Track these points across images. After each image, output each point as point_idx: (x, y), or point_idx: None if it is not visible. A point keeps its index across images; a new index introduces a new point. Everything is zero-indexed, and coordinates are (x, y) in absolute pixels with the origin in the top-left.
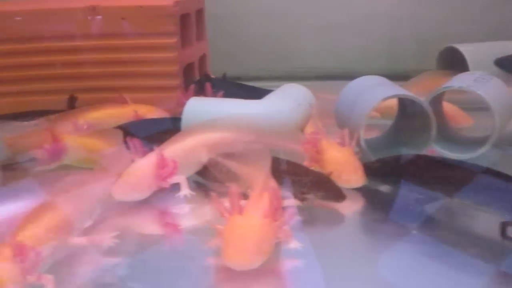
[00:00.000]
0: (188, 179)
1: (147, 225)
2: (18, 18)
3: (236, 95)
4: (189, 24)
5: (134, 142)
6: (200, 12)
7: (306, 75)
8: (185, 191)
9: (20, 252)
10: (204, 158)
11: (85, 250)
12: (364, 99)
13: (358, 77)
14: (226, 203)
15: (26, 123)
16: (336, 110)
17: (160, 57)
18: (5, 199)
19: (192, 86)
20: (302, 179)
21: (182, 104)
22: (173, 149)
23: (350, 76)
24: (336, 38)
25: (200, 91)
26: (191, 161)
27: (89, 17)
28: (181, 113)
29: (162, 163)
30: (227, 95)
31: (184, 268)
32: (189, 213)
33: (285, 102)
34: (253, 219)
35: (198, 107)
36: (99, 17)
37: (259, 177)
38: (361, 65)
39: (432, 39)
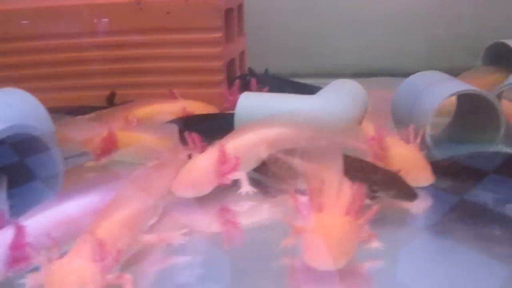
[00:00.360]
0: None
1: (209, 222)
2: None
3: (281, 91)
4: (232, 19)
5: (193, 137)
6: (240, 7)
7: (343, 72)
8: (246, 188)
9: (100, 250)
10: (263, 154)
11: (152, 248)
12: (429, 95)
13: (396, 74)
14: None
15: (79, 117)
16: (393, 107)
17: (204, 52)
18: (73, 196)
19: (237, 82)
20: (372, 177)
21: (227, 100)
22: (232, 144)
23: (388, 73)
24: (374, 34)
25: (245, 87)
26: (250, 157)
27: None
28: (226, 109)
29: (223, 159)
30: (272, 91)
31: (261, 268)
32: (250, 210)
33: (340, 98)
34: (336, 217)
35: (251, 102)
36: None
37: (333, 174)
38: (399, 62)
39: (473, 36)
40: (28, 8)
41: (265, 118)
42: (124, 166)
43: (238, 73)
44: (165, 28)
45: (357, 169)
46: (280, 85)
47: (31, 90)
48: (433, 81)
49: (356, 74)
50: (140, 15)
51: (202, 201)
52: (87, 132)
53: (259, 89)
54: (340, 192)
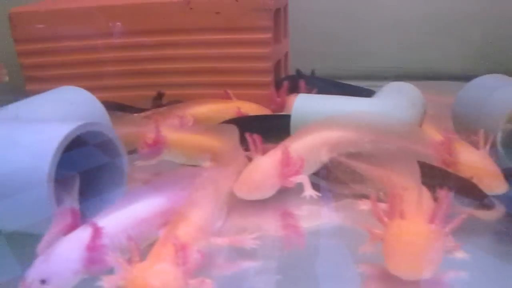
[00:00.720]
0: None
1: (273, 226)
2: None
3: (330, 93)
4: (279, 19)
5: (254, 138)
6: (286, 8)
7: (384, 74)
8: (309, 191)
9: (182, 253)
10: (324, 157)
11: (220, 251)
12: (499, 100)
13: (440, 77)
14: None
15: (135, 115)
16: (456, 111)
17: (253, 52)
18: (141, 196)
19: (286, 83)
20: (445, 184)
21: (275, 102)
22: (295, 146)
23: (431, 76)
24: (416, 35)
25: (292, 89)
26: (312, 160)
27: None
28: (273, 111)
29: (287, 161)
30: (321, 93)
31: (338, 275)
32: (315, 214)
33: (400, 101)
34: (421, 225)
35: (308, 104)
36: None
37: (412, 180)
38: (443, 65)
39: None
40: (79, 8)
41: (325, 120)
42: (176, 166)
43: (283, 75)
44: (214, 28)
45: (427, 175)
46: (328, 87)
47: None
48: (501, 86)
49: (397, 77)
50: (189, 14)
51: (264, 204)
52: (139, 129)
53: (308, 91)
54: (422, 199)
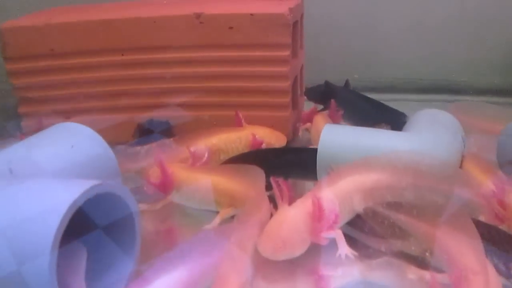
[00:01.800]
0: None
1: None
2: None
3: (362, 111)
4: (296, 32)
5: (281, 184)
6: (302, 18)
7: (404, 86)
8: (344, 249)
9: None
10: (358, 206)
11: None
12: None
13: (467, 90)
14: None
15: (136, 147)
16: (502, 145)
17: (269, 71)
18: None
19: (313, 109)
20: (506, 248)
21: (297, 131)
22: (325, 195)
23: (458, 89)
24: (441, 44)
25: (321, 101)
26: (345, 210)
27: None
28: (294, 137)
29: (319, 214)
30: (351, 110)
31: None
32: (351, 276)
33: (442, 135)
34: None
35: (336, 137)
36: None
37: (472, 251)
38: (471, 77)
39: None
40: (79, 22)
41: (359, 162)
42: (187, 213)
43: (298, 90)
44: (226, 44)
45: (485, 237)
46: (360, 105)
47: (76, 111)
48: None
49: (417, 89)
50: (199, 29)
51: (291, 263)
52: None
53: (339, 106)
54: (488, 279)
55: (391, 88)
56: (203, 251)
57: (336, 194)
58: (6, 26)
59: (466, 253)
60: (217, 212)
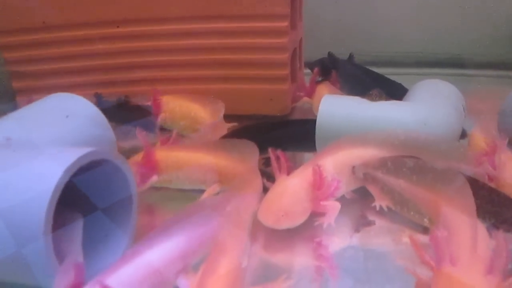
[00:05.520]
0: None
1: (305, 263)
2: None
3: (361, 84)
4: (295, 3)
5: (279, 156)
6: None
7: (404, 60)
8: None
9: None
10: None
11: None
12: None
13: (467, 64)
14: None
15: (126, 127)
16: (504, 114)
17: (268, 43)
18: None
19: (317, 69)
20: (504, 212)
21: (304, 89)
22: (324, 164)
23: (457, 63)
24: (442, 18)
25: (324, 74)
26: (343, 181)
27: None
28: (298, 98)
29: (320, 182)
30: (351, 83)
31: None
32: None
33: (442, 107)
34: (475, 276)
35: (335, 109)
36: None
37: (463, 213)
38: (471, 51)
39: None
40: None
41: (358, 136)
42: (169, 197)
43: (298, 63)
44: (224, 15)
45: (484, 199)
46: (362, 77)
47: (70, 86)
48: None
49: (418, 63)
50: (198, 0)
51: (289, 232)
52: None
53: (340, 79)
54: (477, 240)
55: (392, 63)
56: (199, 220)
57: (335, 165)
58: None
59: (454, 215)
60: (202, 192)
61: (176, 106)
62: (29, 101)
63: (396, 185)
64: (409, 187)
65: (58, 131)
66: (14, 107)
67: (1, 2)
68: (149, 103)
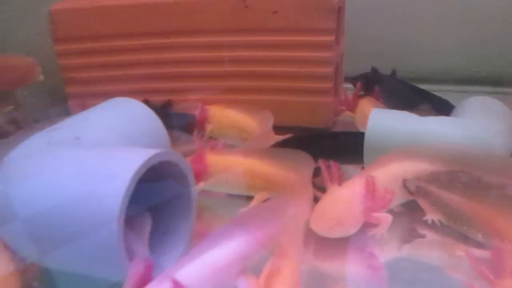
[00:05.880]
0: None
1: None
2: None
3: (409, 99)
4: (340, 18)
5: (329, 165)
6: (344, 4)
7: (443, 77)
8: (432, 214)
9: None
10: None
11: None
12: None
13: (507, 82)
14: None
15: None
16: None
17: (313, 56)
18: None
19: (359, 84)
20: None
21: (346, 103)
22: (376, 175)
23: (497, 81)
24: (482, 35)
25: (366, 89)
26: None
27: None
28: (340, 112)
29: (372, 194)
30: (398, 98)
31: None
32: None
33: (492, 123)
34: None
35: (384, 122)
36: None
37: None
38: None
39: None
40: (125, 5)
41: (408, 149)
42: (221, 199)
43: (339, 77)
44: (271, 28)
45: None
46: (406, 93)
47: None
48: None
49: (458, 81)
50: (244, 13)
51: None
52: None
53: (383, 94)
54: None
55: (431, 79)
56: (259, 224)
57: (386, 177)
58: (54, 8)
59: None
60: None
61: (223, 116)
62: (80, 105)
63: (450, 199)
64: (464, 202)
65: (121, 133)
66: (66, 111)
67: (57, 13)
68: (195, 112)
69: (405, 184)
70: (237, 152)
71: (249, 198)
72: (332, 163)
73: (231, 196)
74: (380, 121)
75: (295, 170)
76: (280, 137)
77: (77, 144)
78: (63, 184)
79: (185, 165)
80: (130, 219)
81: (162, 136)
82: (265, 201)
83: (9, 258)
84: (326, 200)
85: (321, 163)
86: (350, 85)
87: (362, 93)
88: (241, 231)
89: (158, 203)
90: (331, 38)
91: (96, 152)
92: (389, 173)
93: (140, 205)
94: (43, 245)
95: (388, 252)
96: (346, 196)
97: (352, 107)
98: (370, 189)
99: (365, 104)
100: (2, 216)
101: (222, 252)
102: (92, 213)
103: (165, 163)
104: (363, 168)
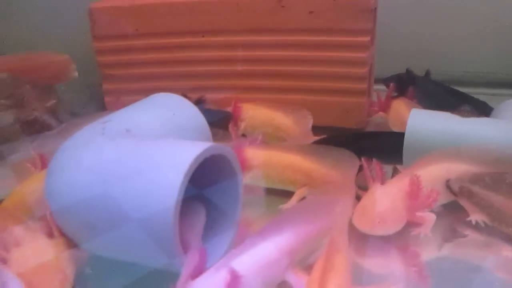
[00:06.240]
0: None
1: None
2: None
3: (445, 101)
4: (375, 19)
5: (371, 164)
6: (377, 6)
7: (475, 80)
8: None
9: None
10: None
11: None
12: None
13: None
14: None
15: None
16: None
17: (348, 56)
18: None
19: (393, 85)
20: None
21: (371, 112)
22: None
23: None
24: None
25: (400, 91)
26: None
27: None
28: (372, 113)
29: (416, 193)
30: (433, 100)
31: None
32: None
33: None
34: None
35: (424, 122)
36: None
37: None
38: None
39: None
40: (163, 3)
41: (449, 150)
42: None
43: (372, 78)
44: (306, 29)
45: None
46: (441, 95)
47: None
48: None
49: (489, 84)
50: (280, 13)
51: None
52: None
53: (417, 95)
54: None
55: (461, 82)
56: (307, 219)
57: (429, 177)
58: (94, 6)
59: None
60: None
61: (257, 114)
62: (117, 101)
63: (495, 200)
64: (510, 203)
65: (167, 127)
66: (102, 107)
67: (97, 11)
68: (228, 109)
69: (448, 185)
70: (278, 147)
71: (286, 194)
72: (375, 161)
73: (268, 192)
74: (420, 121)
75: (337, 168)
76: (317, 138)
77: (130, 135)
78: (120, 173)
79: (235, 159)
80: (184, 211)
81: (205, 131)
82: (304, 197)
83: (64, 244)
84: (370, 197)
85: (364, 162)
86: (380, 86)
87: (395, 94)
88: (289, 226)
89: (206, 196)
90: (367, 38)
91: (151, 143)
92: (432, 174)
93: (191, 197)
94: (97, 232)
95: (431, 251)
96: (390, 194)
97: (385, 108)
98: (415, 188)
99: (399, 105)
100: (59, 202)
101: (272, 245)
102: (149, 202)
103: (216, 156)
104: (394, 168)
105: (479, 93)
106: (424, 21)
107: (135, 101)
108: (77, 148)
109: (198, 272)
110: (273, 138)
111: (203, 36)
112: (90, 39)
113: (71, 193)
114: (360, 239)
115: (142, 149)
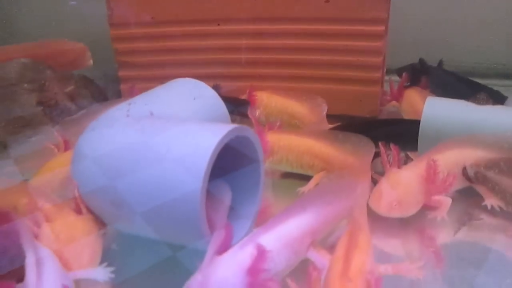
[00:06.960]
0: None
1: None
2: None
3: (458, 90)
4: (389, 9)
5: (392, 148)
6: None
7: (487, 71)
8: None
9: None
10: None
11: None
12: None
13: None
14: None
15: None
16: None
17: (363, 45)
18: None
19: (406, 74)
20: None
21: (384, 102)
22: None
23: None
24: None
25: (413, 81)
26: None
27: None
28: (385, 102)
29: (434, 177)
30: (447, 89)
31: None
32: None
33: None
34: None
35: (439, 110)
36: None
37: None
38: None
39: None
40: None
41: (465, 138)
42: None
43: (384, 67)
44: (321, 18)
45: None
46: (455, 84)
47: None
48: None
49: (500, 75)
50: (296, 2)
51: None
52: None
53: (431, 85)
54: None
55: (472, 73)
56: (329, 200)
57: (445, 162)
58: None
59: None
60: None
61: (272, 102)
62: (132, 89)
63: (510, 185)
64: None
65: (189, 110)
66: (118, 94)
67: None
68: (243, 97)
69: (464, 172)
70: (296, 133)
71: (305, 178)
72: (393, 146)
73: (286, 176)
74: (436, 109)
75: (355, 154)
76: (331, 126)
77: (155, 117)
78: (147, 153)
79: (257, 141)
80: (210, 190)
81: (225, 116)
82: (322, 181)
83: (92, 220)
84: (387, 181)
85: (381, 146)
86: (393, 76)
87: (407, 84)
88: (311, 207)
89: (229, 177)
90: (382, 28)
91: (177, 125)
92: (448, 159)
93: (216, 177)
94: (125, 211)
95: (447, 234)
96: (407, 178)
97: (397, 97)
98: (432, 172)
99: (412, 94)
100: (87, 180)
101: (295, 225)
102: (176, 183)
103: (239, 137)
104: (407, 155)
105: (490, 84)
106: (436, 11)
107: (150, 88)
108: (103, 127)
109: (224, 248)
110: (288, 126)
111: (218, 25)
112: (105, 27)
113: (99, 172)
114: (377, 221)
115: (168, 130)
